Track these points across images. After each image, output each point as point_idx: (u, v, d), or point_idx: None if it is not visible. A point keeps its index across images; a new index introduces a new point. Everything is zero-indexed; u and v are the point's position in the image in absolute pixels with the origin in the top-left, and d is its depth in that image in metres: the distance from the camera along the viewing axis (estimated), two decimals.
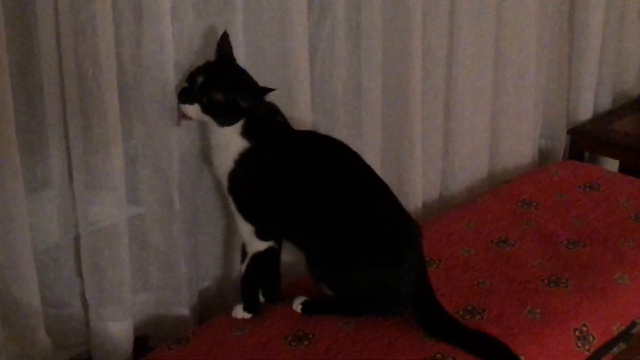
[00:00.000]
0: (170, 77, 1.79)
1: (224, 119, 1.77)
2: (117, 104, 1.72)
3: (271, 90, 1.77)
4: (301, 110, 2.02)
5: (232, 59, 1.83)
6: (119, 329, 1.85)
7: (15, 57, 1.64)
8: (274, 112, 1.86)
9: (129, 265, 1.85)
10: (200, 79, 1.75)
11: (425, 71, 2.29)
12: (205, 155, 1.92)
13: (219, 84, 1.75)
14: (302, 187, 1.81)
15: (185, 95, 1.77)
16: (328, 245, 1.81)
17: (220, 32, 1.83)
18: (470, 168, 2.54)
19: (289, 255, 1.93)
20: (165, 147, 1.84)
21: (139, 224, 1.90)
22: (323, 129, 2.11)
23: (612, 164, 2.94)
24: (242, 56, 1.90)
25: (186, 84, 1.78)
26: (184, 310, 1.97)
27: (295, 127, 1.92)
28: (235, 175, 1.81)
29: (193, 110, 1.76)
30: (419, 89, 2.27)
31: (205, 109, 1.76)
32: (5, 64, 1.56)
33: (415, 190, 2.38)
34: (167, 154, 1.85)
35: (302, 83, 2.01)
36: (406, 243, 1.84)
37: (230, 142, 1.79)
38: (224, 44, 1.81)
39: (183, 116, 1.79)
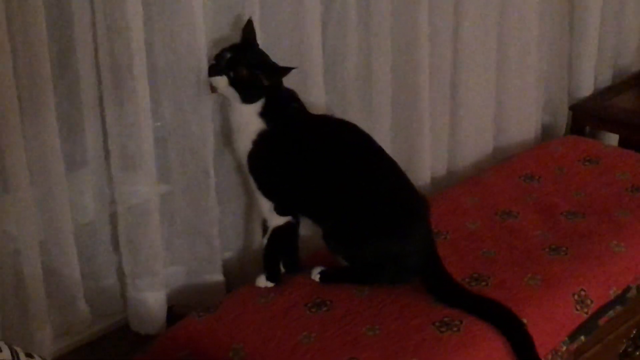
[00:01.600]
0: (204, 60, 1.87)
1: (247, 95, 1.84)
2: (147, 90, 1.80)
3: (291, 69, 1.85)
4: (316, 94, 2.08)
5: (256, 43, 1.90)
6: (153, 298, 1.92)
7: (56, 50, 1.73)
8: (292, 97, 1.92)
9: (161, 240, 1.92)
10: (227, 55, 1.84)
11: (432, 53, 2.33)
12: (225, 137, 1.99)
13: (244, 61, 1.83)
14: (317, 167, 1.87)
15: (214, 69, 1.85)
16: (343, 219, 1.87)
17: (243, 22, 1.91)
18: (475, 145, 2.58)
19: (307, 229, 1.98)
20: (200, 127, 1.91)
21: (171, 201, 1.97)
22: (336, 111, 2.17)
23: (612, 139, 2.93)
24: (260, 44, 1.95)
25: (214, 61, 1.86)
26: (218, 277, 2.03)
27: (311, 111, 1.98)
28: (254, 156, 1.88)
29: (221, 81, 1.83)
30: (426, 71, 2.32)
31: (232, 82, 1.83)
32: (47, 57, 1.66)
33: (424, 166, 2.42)
34: (202, 133, 1.92)
35: (316, 69, 2.07)
36: (415, 216, 1.90)
37: (249, 122, 1.86)
38: (249, 29, 1.89)
39: (213, 89, 1.88)
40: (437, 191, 2.43)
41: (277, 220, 1.93)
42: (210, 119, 1.93)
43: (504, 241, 2.09)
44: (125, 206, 1.88)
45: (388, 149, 2.15)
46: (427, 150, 2.43)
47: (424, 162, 2.43)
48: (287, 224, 1.94)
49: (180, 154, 1.94)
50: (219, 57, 1.86)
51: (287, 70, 1.86)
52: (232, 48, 1.87)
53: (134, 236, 1.90)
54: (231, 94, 1.86)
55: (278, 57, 1.98)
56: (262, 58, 1.89)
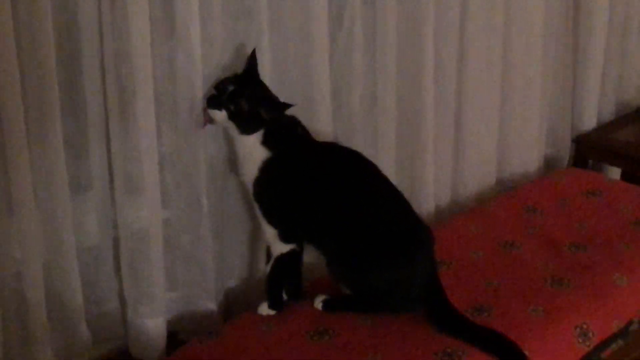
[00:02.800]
0: (199, 92, 1.88)
1: (246, 127, 1.85)
2: (152, 114, 1.82)
3: (290, 105, 1.86)
4: (322, 122, 2.10)
5: (257, 74, 1.91)
6: (153, 324, 1.92)
7: (63, 74, 1.75)
8: (294, 124, 1.93)
9: (162, 266, 1.93)
10: (230, 88, 1.84)
11: (436, 83, 2.35)
12: (232, 163, 2.00)
13: (246, 95, 1.84)
14: (322, 194, 1.88)
15: (214, 101, 1.85)
16: (346, 247, 1.87)
17: (246, 50, 1.93)
18: (479, 175, 2.59)
19: (311, 256, 1.99)
20: (194, 154, 1.92)
21: (169, 227, 1.97)
22: (342, 139, 2.19)
23: (614, 172, 2.96)
24: (267, 71, 1.98)
25: (214, 92, 1.86)
26: (211, 305, 2.03)
27: (318, 138, 1.99)
28: (259, 183, 1.88)
29: (220, 115, 1.84)
30: (431, 100, 2.34)
31: (231, 116, 1.84)
32: (54, 81, 1.67)
33: (428, 195, 2.43)
34: (195, 161, 1.92)
35: (323, 97, 2.09)
36: (419, 245, 1.90)
37: (253, 151, 1.87)
38: (253, 59, 1.89)
39: (209, 120, 1.88)
40: (440, 221, 2.45)
41: (281, 248, 1.94)
42: (203, 147, 1.94)
43: (507, 272, 2.10)
44: (128, 231, 1.89)
45: (392, 177, 2.17)
46: (431, 180, 2.44)
47: (428, 192, 2.44)
48: (291, 252, 1.94)
49: (176, 180, 1.95)
50: (220, 88, 1.86)
51: (287, 106, 1.86)
52: (234, 79, 1.87)
53: (135, 261, 1.90)
54: (230, 126, 1.87)
55: (285, 86, 2.01)
56: (264, 92, 1.90)
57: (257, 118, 1.85)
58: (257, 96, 1.86)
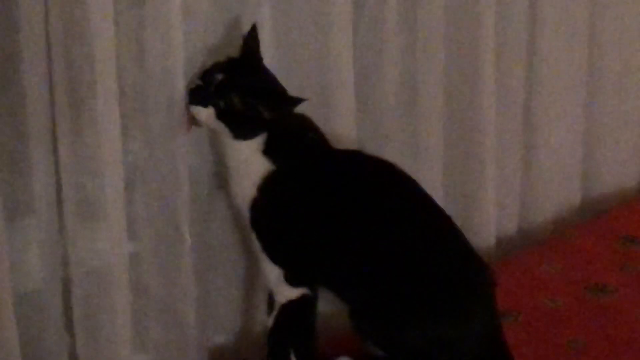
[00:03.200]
0: (179, 82, 1.89)
1: (240, 131, 1.86)
2: (117, 114, 1.82)
3: (302, 100, 1.86)
4: (343, 124, 2.11)
5: (259, 58, 1.92)
6: None
7: None
8: (306, 126, 1.95)
9: (129, 317, 1.92)
10: (218, 77, 1.84)
11: (499, 73, 2.36)
12: (220, 177, 2.01)
13: (240, 86, 1.84)
14: (343, 220, 1.88)
15: (198, 95, 1.85)
16: (376, 293, 1.86)
17: (241, 27, 1.93)
18: (557, 195, 2.60)
19: (327, 304, 1.99)
20: (172, 167, 1.93)
21: (137, 265, 1.97)
22: (369, 146, 2.19)
23: None
24: (269, 55, 1.98)
25: (199, 82, 1.87)
26: None
27: (336, 145, 2.00)
28: (258, 206, 1.89)
29: (206, 114, 1.84)
30: (491, 95, 2.36)
31: (220, 115, 1.84)
32: None
33: (487, 222, 2.45)
34: (174, 176, 1.93)
35: (344, 90, 2.10)
36: (474, 291, 1.90)
37: (250, 162, 1.88)
38: (252, 39, 1.90)
39: (193, 122, 1.88)
40: (505, 256, 2.46)
41: (288, 293, 1.94)
42: (184, 158, 1.95)
43: (597, 327, 2.11)
44: (82, 270, 1.89)
45: (439, 198, 2.18)
46: (491, 201, 2.45)
47: (488, 217, 2.46)
48: (301, 298, 1.94)
49: (148, 202, 1.96)
50: (206, 77, 1.87)
51: (296, 101, 1.87)
52: (226, 65, 1.87)
53: (92, 311, 1.89)
54: (219, 128, 1.87)
55: (291, 74, 2.01)
56: (266, 81, 1.91)
57: (255, 118, 1.86)
58: (256, 88, 1.87)
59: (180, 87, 1.90)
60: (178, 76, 1.89)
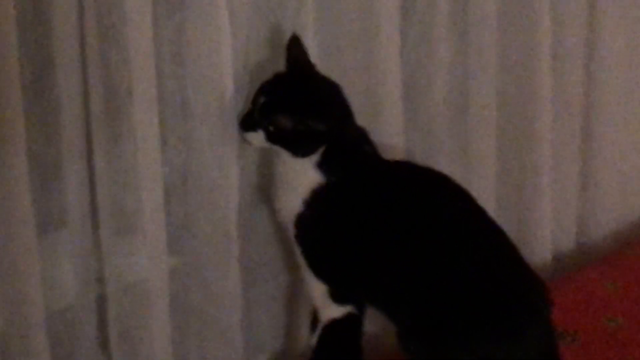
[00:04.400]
0: (226, 87, 1.90)
1: (298, 148, 1.87)
2: (155, 122, 1.83)
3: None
4: (390, 133, 2.12)
5: (309, 67, 1.92)
6: None
7: (29, 69, 1.73)
8: (363, 138, 1.95)
9: (168, 334, 1.93)
10: (261, 99, 1.86)
11: (556, 75, 2.37)
12: (262, 188, 2.03)
13: (286, 104, 1.86)
14: (393, 235, 1.88)
15: (247, 120, 1.88)
16: (427, 312, 1.86)
17: (282, 34, 1.95)
18: (617, 208, 2.61)
19: (374, 324, 1.99)
20: (220, 175, 1.94)
21: (177, 280, 1.98)
22: (418, 155, 2.21)
23: None
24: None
25: (250, 106, 1.89)
26: None
27: (384, 155, 1.99)
28: (305, 220, 1.90)
29: (257, 138, 1.87)
30: (547, 100, 2.36)
31: (271, 137, 1.86)
32: (16, 76, 1.65)
33: (542, 237, 2.44)
34: (222, 185, 1.94)
35: (392, 96, 2.10)
36: (530, 310, 1.89)
37: (300, 175, 1.89)
38: (295, 48, 1.90)
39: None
40: (561, 273, 2.46)
41: (333, 311, 1.95)
42: (234, 165, 1.95)
43: None
44: (118, 286, 1.89)
45: (491, 210, 2.15)
46: (547, 215, 2.45)
47: (544, 232, 2.46)
48: (347, 317, 1.95)
49: (191, 213, 1.97)
50: (255, 100, 1.89)
51: (350, 113, 1.89)
52: (271, 84, 1.89)
53: (130, 329, 1.90)
54: (277, 149, 1.89)
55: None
56: (314, 92, 1.90)
57: (310, 133, 1.85)
58: (302, 103, 1.87)
59: (227, 92, 1.91)
60: (224, 81, 1.91)
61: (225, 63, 1.89)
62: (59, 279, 1.89)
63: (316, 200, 1.89)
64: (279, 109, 1.85)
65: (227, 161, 1.95)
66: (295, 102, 1.87)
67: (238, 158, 1.97)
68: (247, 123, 1.88)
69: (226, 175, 1.95)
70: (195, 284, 2.00)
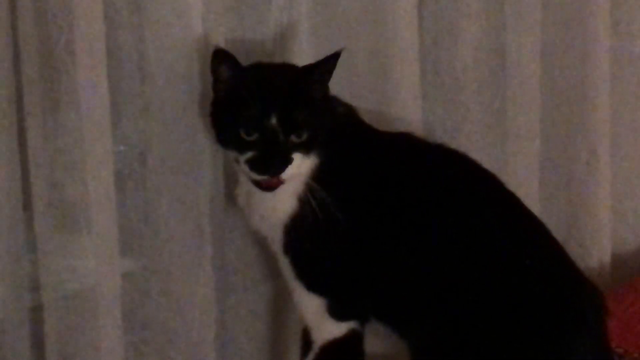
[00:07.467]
0: (199, 39, 1.90)
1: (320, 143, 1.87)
2: (105, 86, 1.81)
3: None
4: (403, 99, 2.13)
5: (263, 64, 1.93)
6: None
7: None
8: (349, 113, 1.95)
9: (123, 356, 1.93)
10: (272, 121, 1.79)
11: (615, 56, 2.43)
12: (230, 189, 2.01)
13: (299, 100, 1.82)
14: (404, 231, 1.87)
15: (277, 155, 1.80)
16: (447, 327, 1.84)
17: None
18: None
19: (380, 342, 1.99)
20: (189, 160, 1.94)
21: (135, 287, 1.99)
22: (438, 131, 2.25)
23: None
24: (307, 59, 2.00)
25: (253, 136, 1.80)
26: None
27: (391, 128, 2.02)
28: (299, 222, 1.86)
29: (295, 164, 1.81)
30: (605, 71, 2.40)
31: (309, 144, 1.83)
32: None
33: (599, 235, 2.46)
34: (192, 172, 1.95)
35: (405, 54, 2.13)
36: (580, 323, 1.87)
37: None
38: (224, 61, 1.85)
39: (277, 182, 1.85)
40: (621, 279, 2.49)
41: (332, 330, 1.93)
42: (208, 140, 1.94)
43: None
44: (58, 294, 1.87)
45: (534, 203, 2.21)
46: (604, 208, 2.47)
47: (600, 228, 2.46)
48: (348, 336, 1.93)
49: (153, 203, 1.97)
50: (261, 126, 1.82)
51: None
52: (272, 95, 1.83)
53: (71, 346, 1.88)
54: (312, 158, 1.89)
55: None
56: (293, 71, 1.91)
57: (326, 124, 1.87)
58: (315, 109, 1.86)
59: (197, 46, 1.90)
60: (193, 31, 1.91)
61: (195, 7, 1.89)
62: None
63: (313, 192, 1.85)
64: (298, 124, 1.82)
65: (197, 136, 1.94)
66: (300, 91, 1.84)
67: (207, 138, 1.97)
68: (282, 159, 1.81)
69: (196, 155, 1.95)
70: (156, 292, 2.01)
